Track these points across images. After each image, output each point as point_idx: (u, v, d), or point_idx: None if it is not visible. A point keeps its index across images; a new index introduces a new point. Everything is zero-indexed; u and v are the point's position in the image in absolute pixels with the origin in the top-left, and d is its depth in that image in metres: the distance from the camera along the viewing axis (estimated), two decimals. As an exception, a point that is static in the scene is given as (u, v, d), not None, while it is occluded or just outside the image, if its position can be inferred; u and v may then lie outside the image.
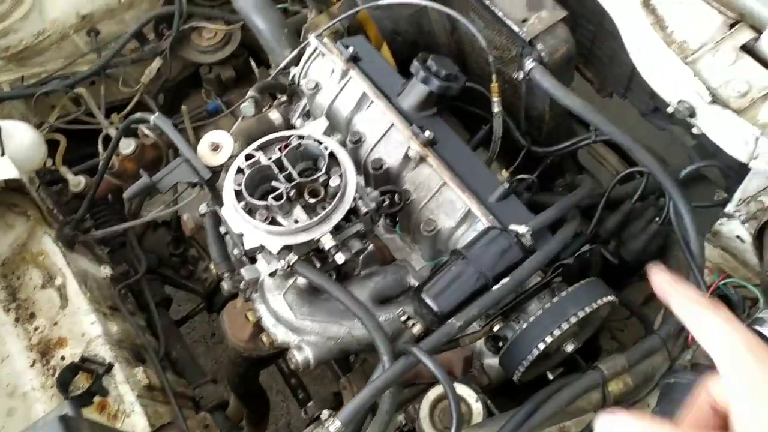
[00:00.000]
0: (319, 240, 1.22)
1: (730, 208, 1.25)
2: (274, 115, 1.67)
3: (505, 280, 1.18)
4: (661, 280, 0.59)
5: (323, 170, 1.23)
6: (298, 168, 1.27)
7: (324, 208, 1.21)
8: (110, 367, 1.51)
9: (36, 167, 1.84)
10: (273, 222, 1.22)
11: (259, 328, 1.43)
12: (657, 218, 1.44)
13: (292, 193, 1.22)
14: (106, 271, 1.82)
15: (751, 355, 0.51)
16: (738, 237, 1.27)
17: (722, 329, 0.53)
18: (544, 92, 1.41)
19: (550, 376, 1.30)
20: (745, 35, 1.12)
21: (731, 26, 1.13)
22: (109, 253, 2.00)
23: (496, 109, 1.50)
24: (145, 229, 2.12)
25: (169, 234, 2.11)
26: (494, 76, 1.46)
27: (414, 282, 1.40)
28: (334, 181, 1.22)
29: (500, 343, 1.27)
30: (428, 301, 1.20)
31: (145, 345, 1.67)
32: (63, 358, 1.55)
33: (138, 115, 1.52)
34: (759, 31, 1.11)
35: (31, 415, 1.49)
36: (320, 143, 1.27)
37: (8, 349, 1.57)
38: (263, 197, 1.23)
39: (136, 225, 1.96)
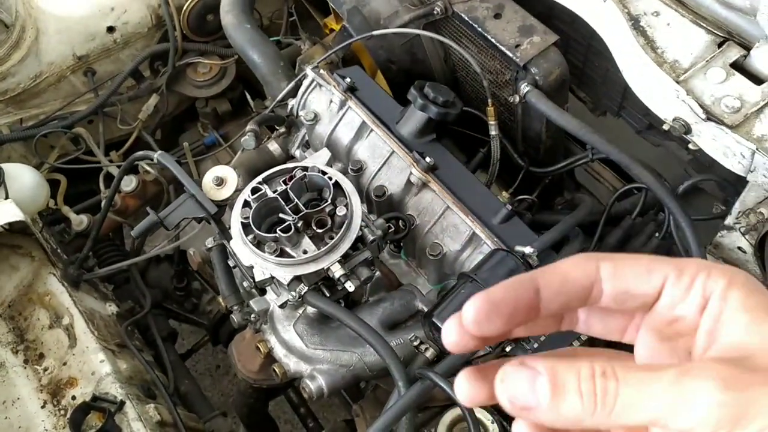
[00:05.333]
0: (328, 269, 1.23)
1: (729, 220, 1.27)
2: (273, 147, 1.69)
3: (513, 301, 1.20)
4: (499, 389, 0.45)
5: (329, 200, 1.25)
6: (304, 199, 1.29)
7: (332, 238, 1.23)
8: (122, 404, 1.51)
9: (39, 208, 1.85)
10: (282, 253, 1.23)
11: (270, 359, 1.44)
12: (657, 233, 1.46)
13: (299, 225, 1.23)
14: (112, 308, 1.82)
15: None
16: (739, 248, 1.30)
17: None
18: (540, 114, 1.44)
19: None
20: (734, 53, 1.15)
21: (720, 45, 1.17)
22: (114, 290, 2.01)
23: (494, 132, 1.52)
24: (148, 263, 2.12)
25: (171, 268, 2.12)
26: (490, 100, 1.49)
27: (422, 306, 1.41)
28: (340, 211, 1.24)
29: (511, 364, 1.28)
30: (440, 324, 1.22)
31: (154, 381, 1.67)
32: (74, 397, 1.54)
33: (141, 153, 1.53)
34: (747, 48, 1.15)
35: (45, 457, 1.49)
36: (324, 174, 1.29)
37: (18, 391, 1.56)
38: (271, 229, 1.24)
39: (140, 261, 1.97)
